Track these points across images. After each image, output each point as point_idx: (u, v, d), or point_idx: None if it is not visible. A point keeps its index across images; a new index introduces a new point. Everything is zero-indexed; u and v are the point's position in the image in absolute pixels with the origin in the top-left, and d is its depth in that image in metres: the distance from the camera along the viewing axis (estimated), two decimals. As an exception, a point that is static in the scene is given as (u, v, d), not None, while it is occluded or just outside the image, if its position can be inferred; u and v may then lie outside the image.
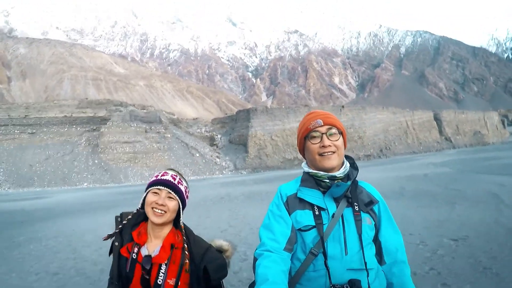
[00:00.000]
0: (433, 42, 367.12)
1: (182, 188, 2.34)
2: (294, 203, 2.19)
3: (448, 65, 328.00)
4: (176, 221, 2.37)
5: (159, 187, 2.28)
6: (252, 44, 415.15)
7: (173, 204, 2.28)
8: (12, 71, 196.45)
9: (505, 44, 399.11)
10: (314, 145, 2.21)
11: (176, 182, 2.31)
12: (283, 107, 74.86)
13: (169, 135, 60.87)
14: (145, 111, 65.72)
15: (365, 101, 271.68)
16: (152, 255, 2.25)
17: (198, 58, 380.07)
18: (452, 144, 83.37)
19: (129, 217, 2.36)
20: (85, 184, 49.96)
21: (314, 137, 2.22)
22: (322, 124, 2.21)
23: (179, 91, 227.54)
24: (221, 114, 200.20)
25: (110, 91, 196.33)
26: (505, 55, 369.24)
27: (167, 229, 2.33)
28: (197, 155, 59.46)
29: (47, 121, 60.79)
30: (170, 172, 2.36)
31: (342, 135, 2.27)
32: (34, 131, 59.35)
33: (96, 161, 53.68)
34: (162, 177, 2.31)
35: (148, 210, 2.28)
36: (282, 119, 62.47)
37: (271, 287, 1.85)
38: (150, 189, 2.30)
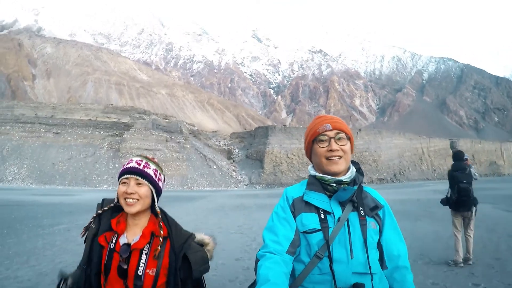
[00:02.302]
0: (456, 69, 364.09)
1: (150, 171, 2.29)
2: (300, 206, 2.22)
3: (470, 93, 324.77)
4: (153, 208, 2.35)
5: (126, 176, 2.25)
6: (275, 61, 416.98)
7: (143, 190, 2.23)
8: (37, 69, 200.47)
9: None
10: (321, 149, 2.25)
11: (141, 167, 2.27)
12: (301, 126, 76.10)
13: (188, 146, 62.59)
14: (167, 120, 67.69)
15: (385, 125, 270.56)
16: (131, 244, 2.20)
17: (221, 71, 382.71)
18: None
19: (111, 204, 2.35)
20: (105, 186, 51.84)
21: (322, 140, 2.25)
22: (331, 128, 2.25)
23: (200, 102, 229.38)
24: (240, 128, 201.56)
25: (132, 97, 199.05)
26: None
27: (145, 218, 2.31)
28: (214, 167, 61.00)
29: (72, 123, 63.16)
30: (135, 158, 2.33)
31: (350, 141, 2.32)
32: (59, 131, 61.74)
33: (116, 165, 55.46)
34: (127, 166, 2.28)
35: (121, 202, 2.24)
36: (299, 138, 63.64)
37: None
38: (119, 180, 2.28)
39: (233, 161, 66.51)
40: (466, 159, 8.79)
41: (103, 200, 2.36)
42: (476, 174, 8.53)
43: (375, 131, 79.25)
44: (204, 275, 2.34)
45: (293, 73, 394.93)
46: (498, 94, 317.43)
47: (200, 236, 2.40)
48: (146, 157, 2.34)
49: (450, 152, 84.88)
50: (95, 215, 2.27)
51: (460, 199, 8.05)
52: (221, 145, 71.77)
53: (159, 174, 2.32)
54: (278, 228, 2.15)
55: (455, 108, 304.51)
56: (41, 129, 61.36)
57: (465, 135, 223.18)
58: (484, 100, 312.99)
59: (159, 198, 2.35)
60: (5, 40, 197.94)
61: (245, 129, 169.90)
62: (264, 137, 65.56)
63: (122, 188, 2.21)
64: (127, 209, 2.21)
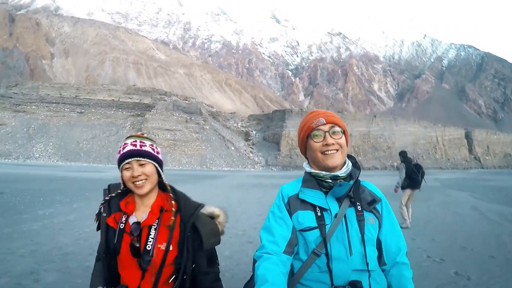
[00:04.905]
0: (476, 57, 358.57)
1: (147, 148, 2.25)
2: (295, 203, 2.18)
3: (490, 82, 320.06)
4: (161, 183, 2.36)
5: (127, 160, 2.21)
6: (294, 43, 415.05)
7: (148, 168, 2.22)
8: (55, 48, 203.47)
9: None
10: (316, 144, 2.19)
11: (138, 147, 2.23)
12: (318, 110, 76.64)
13: (207, 127, 64.18)
14: (187, 102, 69.10)
15: (403, 111, 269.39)
16: (141, 221, 2.19)
17: (240, 51, 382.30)
18: (481, 164, 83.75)
19: (118, 191, 2.32)
20: (128, 164, 53.63)
21: (317, 135, 2.20)
22: (325, 122, 2.20)
23: (217, 83, 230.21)
24: (257, 109, 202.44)
25: (150, 76, 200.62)
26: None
27: (154, 195, 2.30)
28: (232, 148, 62.49)
29: (95, 103, 65.21)
30: (129, 141, 2.28)
31: (345, 134, 2.27)
32: (82, 111, 63.91)
33: (138, 144, 57.23)
34: (125, 150, 2.23)
35: (130, 186, 2.22)
36: (315, 122, 64.54)
37: None
38: (121, 166, 2.24)
39: (251, 142, 67.82)
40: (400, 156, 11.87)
41: (108, 186, 2.39)
42: (402, 171, 11.46)
43: (390, 118, 79.71)
44: (217, 247, 2.35)
45: (312, 55, 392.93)
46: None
47: (210, 208, 2.44)
48: (136, 136, 2.33)
49: (465, 142, 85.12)
50: (103, 201, 2.28)
51: (415, 180, 11.22)
52: (239, 126, 73.06)
53: (156, 147, 2.34)
54: (275, 228, 2.13)
55: (474, 96, 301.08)
56: (66, 109, 63.54)
57: (483, 125, 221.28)
58: (504, 90, 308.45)
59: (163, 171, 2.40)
60: (23, 20, 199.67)
61: (262, 110, 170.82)
62: (281, 120, 66.80)
63: (127, 173, 2.21)
64: (138, 191, 2.21)
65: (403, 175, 11.23)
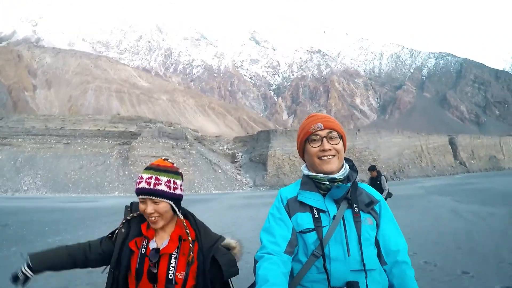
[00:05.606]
0: (455, 64, 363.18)
1: (162, 187, 2.21)
2: (294, 206, 2.20)
3: (470, 88, 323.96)
4: (183, 212, 2.36)
5: (140, 197, 2.22)
6: (275, 63, 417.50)
7: (161, 206, 2.20)
8: (37, 79, 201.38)
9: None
10: (314, 149, 2.22)
11: (152, 186, 2.20)
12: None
13: (194, 152, 64.53)
14: (172, 128, 69.60)
15: (386, 123, 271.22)
16: (161, 248, 2.20)
17: (221, 74, 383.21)
18: (467, 168, 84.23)
19: (139, 212, 2.31)
20: (116, 192, 53.83)
21: (314, 140, 2.23)
22: (323, 127, 2.21)
23: (201, 107, 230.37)
24: (242, 131, 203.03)
25: (133, 104, 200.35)
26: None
27: (172, 223, 2.31)
28: (220, 171, 62.93)
29: (81, 133, 65.32)
30: (145, 176, 2.24)
31: (342, 139, 2.29)
32: (69, 141, 63.87)
33: (126, 172, 57.50)
34: (138, 186, 2.22)
35: (146, 217, 2.23)
36: (300, 140, 65.33)
37: None
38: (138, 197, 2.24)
39: (238, 164, 68.38)
40: (373, 170, 11.82)
41: (131, 203, 2.42)
42: (385, 183, 11.48)
43: (373, 131, 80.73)
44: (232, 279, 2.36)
45: (293, 74, 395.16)
46: (498, 87, 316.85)
47: (227, 240, 2.44)
48: (155, 169, 2.30)
49: (449, 148, 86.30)
50: (124, 221, 2.33)
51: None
52: (225, 149, 73.60)
53: (173, 183, 2.30)
54: (275, 228, 2.16)
55: (455, 103, 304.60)
56: (52, 140, 63.41)
57: (467, 130, 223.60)
58: (485, 94, 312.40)
59: (181, 202, 2.41)
60: (5, 52, 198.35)
61: (247, 132, 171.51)
62: (266, 141, 67.44)
63: (142, 206, 2.21)
64: (152, 225, 2.24)
65: (387, 186, 11.50)
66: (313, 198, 2.19)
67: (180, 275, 2.15)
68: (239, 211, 21.88)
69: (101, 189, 55.58)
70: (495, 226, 10.91)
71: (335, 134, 2.24)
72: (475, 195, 23.58)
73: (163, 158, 2.40)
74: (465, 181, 47.16)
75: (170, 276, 2.13)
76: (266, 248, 2.10)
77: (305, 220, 2.14)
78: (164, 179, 2.22)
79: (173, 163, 2.37)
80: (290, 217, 2.19)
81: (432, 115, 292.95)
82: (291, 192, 2.30)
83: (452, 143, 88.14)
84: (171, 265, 2.16)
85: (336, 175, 2.21)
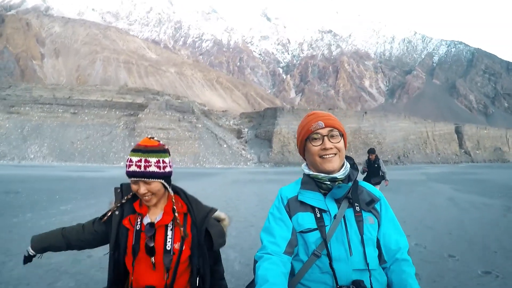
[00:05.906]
0: (467, 53, 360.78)
1: (152, 168, 2.21)
2: (295, 205, 2.18)
3: (480, 78, 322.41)
4: (173, 188, 2.39)
5: (132, 179, 2.23)
6: (285, 40, 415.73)
7: (153, 186, 2.21)
8: (46, 48, 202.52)
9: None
10: (315, 147, 2.19)
11: (142, 168, 2.19)
12: (309, 108, 77.71)
13: (200, 125, 64.97)
14: (179, 101, 69.87)
15: (394, 107, 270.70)
16: (155, 222, 2.23)
17: (230, 49, 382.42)
18: (471, 158, 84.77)
19: (132, 193, 2.33)
20: (122, 163, 54.35)
21: (315, 139, 2.19)
22: (324, 126, 2.18)
23: (208, 81, 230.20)
24: (248, 106, 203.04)
25: (141, 76, 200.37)
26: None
27: (164, 199, 2.35)
28: (225, 146, 63.39)
29: (88, 104, 65.72)
30: (134, 159, 2.21)
31: (343, 137, 2.25)
32: (76, 111, 64.36)
33: (132, 143, 57.69)
34: (129, 170, 2.20)
35: (139, 196, 2.25)
36: (307, 119, 65.62)
37: None
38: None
39: (243, 140, 68.87)
40: (373, 154, 12.20)
41: (121, 185, 2.42)
42: (383, 165, 12.09)
43: (380, 114, 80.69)
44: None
45: (303, 53, 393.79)
46: (509, 79, 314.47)
47: (217, 213, 2.47)
48: (143, 151, 2.27)
49: (455, 136, 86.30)
50: (118, 204, 2.34)
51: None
52: (231, 124, 73.91)
53: (162, 162, 2.29)
54: (275, 229, 2.15)
55: (464, 92, 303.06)
56: (59, 110, 63.94)
57: (474, 119, 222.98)
58: (494, 85, 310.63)
59: (171, 178, 2.41)
60: (13, 20, 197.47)
61: (254, 108, 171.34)
62: (272, 118, 67.73)
63: (134, 187, 2.24)
64: (146, 203, 2.28)
65: (385, 169, 12.16)
66: (314, 198, 2.17)
67: (177, 246, 2.20)
68: (243, 186, 22.09)
69: (106, 159, 56.26)
70: (488, 216, 11.29)
71: (336, 133, 2.20)
72: (475, 186, 23.80)
73: (149, 136, 2.42)
74: (468, 170, 47.32)
75: (168, 247, 2.18)
76: (266, 249, 2.08)
77: (306, 220, 2.13)
78: (153, 160, 2.23)
79: (159, 141, 2.36)
80: (290, 217, 2.18)
81: (440, 102, 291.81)
82: (292, 192, 2.28)
83: (458, 131, 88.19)
84: (168, 236, 2.21)
85: (337, 175, 2.18)
